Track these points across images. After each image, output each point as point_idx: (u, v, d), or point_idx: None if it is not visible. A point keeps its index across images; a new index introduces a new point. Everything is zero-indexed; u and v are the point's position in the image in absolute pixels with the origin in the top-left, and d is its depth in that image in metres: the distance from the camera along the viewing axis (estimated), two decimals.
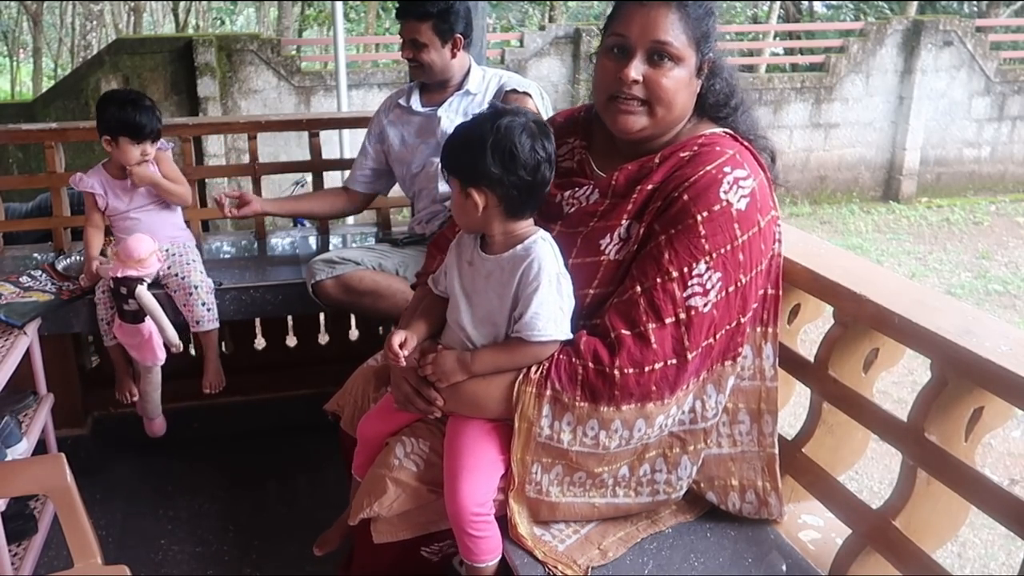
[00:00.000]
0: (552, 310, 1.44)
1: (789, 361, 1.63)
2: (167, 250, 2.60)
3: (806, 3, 14.48)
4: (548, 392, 1.43)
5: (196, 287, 2.57)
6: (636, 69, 1.46)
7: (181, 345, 2.58)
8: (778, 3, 13.21)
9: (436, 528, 1.57)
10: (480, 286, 1.51)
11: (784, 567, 1.50)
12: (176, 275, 2.57)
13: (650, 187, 1.48)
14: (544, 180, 1.48)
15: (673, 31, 1.46)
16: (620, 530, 1.55)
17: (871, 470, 3.75)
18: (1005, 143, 9.67)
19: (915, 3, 12.57)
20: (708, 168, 1.45)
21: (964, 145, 9.56)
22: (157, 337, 2.53)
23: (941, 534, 1.38)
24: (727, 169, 1.44)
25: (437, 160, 2.36)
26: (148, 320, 2.49)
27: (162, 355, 2.58)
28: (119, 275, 2.45)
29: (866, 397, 1.48)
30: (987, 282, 6.61)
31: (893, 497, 1.39)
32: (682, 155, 1.49)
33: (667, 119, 1.51)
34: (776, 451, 1.57)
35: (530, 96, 2.53)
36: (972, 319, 1.34)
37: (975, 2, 13.74)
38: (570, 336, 1.46)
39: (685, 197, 1.43)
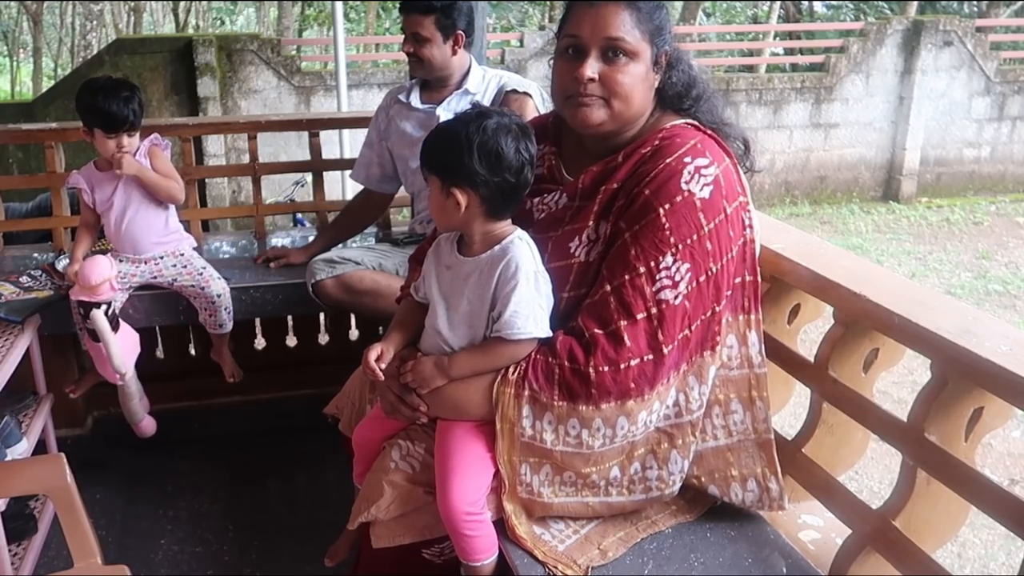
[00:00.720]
0: (531, 308, 1.44)
1: (789, 361, 1.63)
2: (161, 258, 2.55)
3: (806, 3, 14.49)
4: (526, 392, 1.44)
5: (219, 295, 2.58)
6: (591, 68, 1.47)
7: (125, 375, 2.52)
8: (778, 3, 13.21)
9: (434, 533, 1.57)
10: (458, 289, 1.51)
11: (784, 567, 1.49)
12: (192, 285, 2.57)
13: (614, 186, 1.49)
14: (527, 182, 1.49)
15: (625, 27, 1.46)
16: (620, 530, 1.54)
17: (871, 470, 3.75)
18: (1005, 143, 9.67)
19: (915, 3, 12.57)
20: (668, 160, 1.45)
21: (964, 145, 9.56)
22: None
23: (941, 534, 1.38)
24: (687, 159, 1.44)
25: None
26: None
27: (116, 379, 2.54)
28: (75, 298, 2.42)
29: (866, 397, 1.48)
30: (987, 282, 6.61)
31: (893, 497, 1.39)
32: (643, 151, 1.49)
33: (626, 114, 1.51)
34: (772, 436, 1.57)
35: (531, 96, 2.53)
36: (972, 319, 1.34)
37: (975, 2, 13.74)
38: (549, 334, 1.47)
39: (647, 192, 1.44)
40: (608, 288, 1.43)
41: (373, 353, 1.54)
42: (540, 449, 1.45)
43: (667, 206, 1.41)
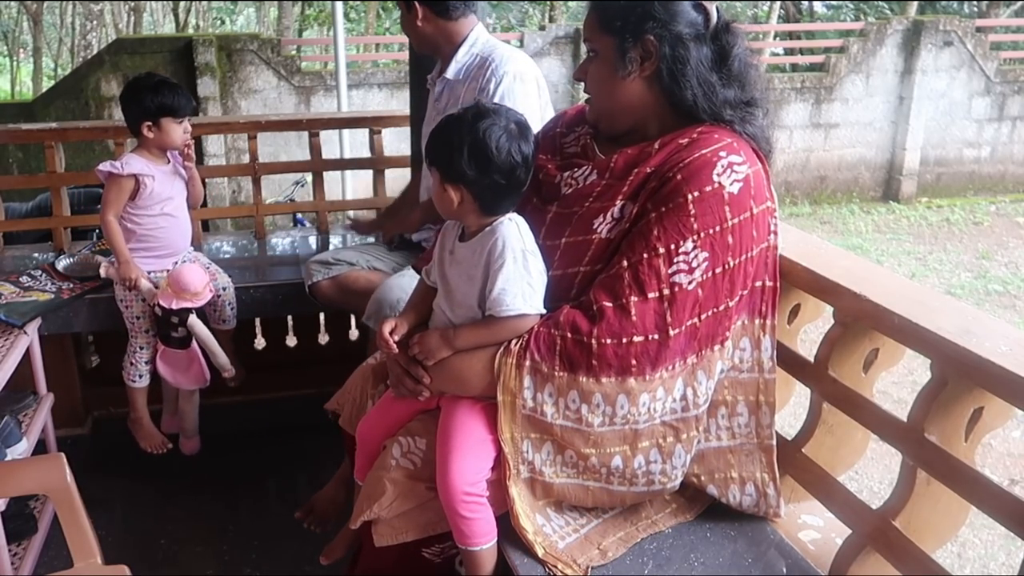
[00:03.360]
0: (519, 285, 1.47)
1: (789, 361, 1.63)
2: (184, 260, 2.60)
3: (806, 3, 14.48)
4: (527, 363, 1.45)
5: (224, 288, 2.60)
6: (579, 68, 1.61)
7: (234, 370, 2.61)
8: (778, 3, 13.20)
9: (436, 530, 1.57)
10: (455, 271, 1.57)
11: (784, 567, 1.49)
12: None
13: (648, 170, 1.50)
14: (519, 182, 1.52)
15: (591, 27, 1.55)
16: (620, 530, 1.55)
17: (871, 470, 3.75)
18: (1005, 143, 9.66)
19: (915, 3, 12.56)
20: (704, 152, 1.46)
21: (964, 145, 9.56)
22: (202, 358, 2.57)
23: (941, 534, 1.38)
24: (722, 154, 1.46)
25: None
26: (194, 342, 2.53)
27: (208, 376, 2.61)
28: (174, 307, 2.42)
29: (866, 397, 1.48)
30: (987, 282, 6.61)
31: (893, 497, 1.39)
32: (681, 141, 1.51)
33: (603, 109, 1.60)
34: (774, 443, 1.58)
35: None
36: (972, 319, 1.34)
37: (975, 2, 13.74)
38: (542, 310, 1.50)
39: (678, 177, 1.45)
40: (625, 264, 1.45)
41: (387, 326, 1.59)
42: (541, 423, 1.46)
43: (696, 193, 1.43)
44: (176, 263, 2.58)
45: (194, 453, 2.75)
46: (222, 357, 2.59)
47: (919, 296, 1.43)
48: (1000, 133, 9.61)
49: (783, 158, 9.05)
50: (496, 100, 2.24)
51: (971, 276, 6.80)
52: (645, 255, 1.44)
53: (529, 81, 2.32)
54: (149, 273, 2.49)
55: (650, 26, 1.49)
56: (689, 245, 1.43)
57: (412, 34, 2.43)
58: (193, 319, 2.50)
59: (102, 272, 2.50)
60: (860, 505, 1.47)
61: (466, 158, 1.46)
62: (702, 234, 1.43)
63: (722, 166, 1.45)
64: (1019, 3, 12.92)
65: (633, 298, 1.42)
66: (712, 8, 1.52)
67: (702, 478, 1.58)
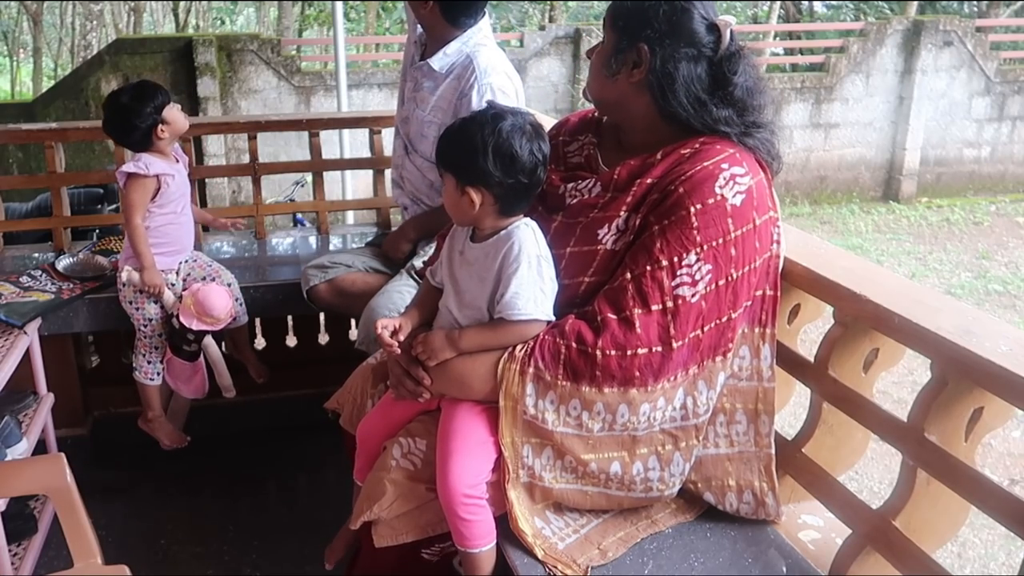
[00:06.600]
0: (532, 290, 1.47)
1: (789, 361, 1.63)
2: (186, 260, 2.60)
3: (806, 3, 14.48)
4: (531, 370, 1.45)
5: (230, 284, 2.60)
6: (592, 47, 1.64)
7: (234, 391, 2.64)
8: (778, 3, 13.20)
9: (436, 531, 1.57)
10: (466, 272, 1.56)
11: (784, 567, 1.50)
12: (205, 278, 2.57)
13: (649, 181, 1.50)
14: (539, 181, 1.52)
15: (607, 16, 1.59)
16: (620, 530, 1.55)
17: (871, 470, 3.75)
18: (1005, 143, 9.66)
19: (915, 3, 12.56)
20: (706, 164, 1.46)
21: (964, 145, 9.56)
22: (206, 371, 2.60)
23: (941, 534, 1.38)
24: (724, 166, 1.46)
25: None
26: (201, 356, 2.56)
27: (207, 388, 2.64)
28: (194, 327, 2.44)
29: (866, 397, 1.48)
30: (987, 282, 6.61)
31: (893, 497, 1.39)
32: (683, 152, 1.50)
33: (595, 96, 1.63)
34: (773, 451, 1.58)
35: None
36: (972, 319, 1.34)
37: (975, 2, 13.74)
38: (552, 317, 1.49)
39: (681, 190, 1.45)
40: (628, 276, 1.45)
41: (389, 327, 1.57)
42: (541, 430, 1.46)
43: (698, 206, 1.43)
44: (183, 261, 2.57)
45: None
46: (226, 379, 2.63)
47: (919, 296, 1.43)
48: (1000, 133, 9.61)
49: (783, 158, 9.03)
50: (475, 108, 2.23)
51: (971, 276, 6.80)
52: (648, 267, 1.44)
53: (509, 93, 2.31)
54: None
55: (646, 35, 1.49)
56: (692, 258, 1.43)
57: (417, 13, 2.37)
58: (208, 339, 2.53)
59: (123, 277, 2.43)
60: (860, 505, 1.47)
61: (491, 159, 1.45)
62: (705, 247, 1.43)
63: (724, 178, 1.44)
64: (1019, 3, 12.92)
65: (637, 310, 1.42)
66: (727, 31, 1.50)
67: (699, 485, 1.58)
